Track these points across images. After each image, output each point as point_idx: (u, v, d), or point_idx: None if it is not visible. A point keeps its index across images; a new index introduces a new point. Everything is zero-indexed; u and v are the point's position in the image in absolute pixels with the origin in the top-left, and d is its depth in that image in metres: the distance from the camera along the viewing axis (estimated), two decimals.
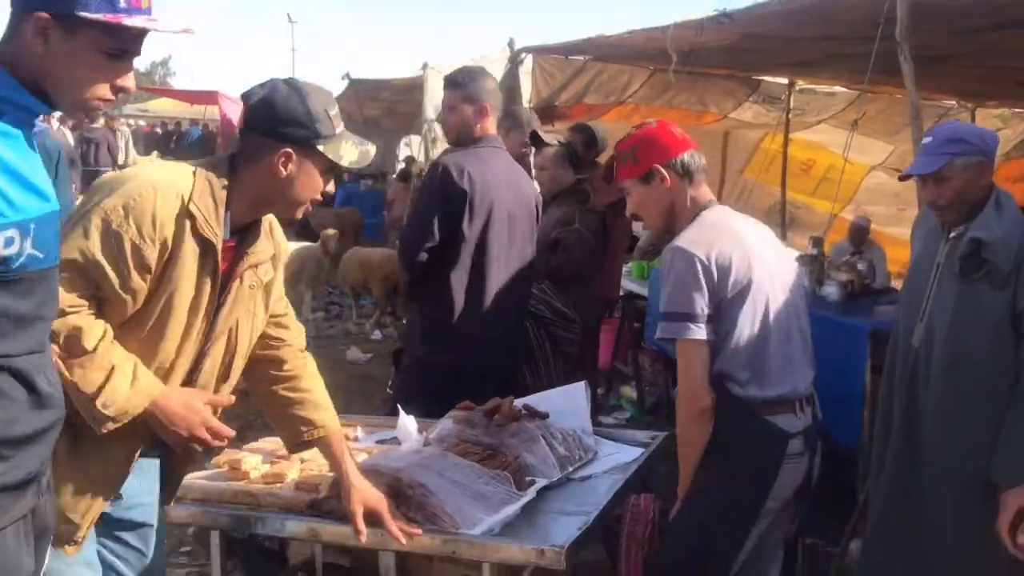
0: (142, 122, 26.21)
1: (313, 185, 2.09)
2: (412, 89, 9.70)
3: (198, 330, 2.09)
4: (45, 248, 1.71)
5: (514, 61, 7.25)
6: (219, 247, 2.05)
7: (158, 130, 26.21)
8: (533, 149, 4.58)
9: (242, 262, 2.13)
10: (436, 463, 2.42)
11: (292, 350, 2.36)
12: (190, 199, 2.00)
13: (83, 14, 1.60)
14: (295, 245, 9.00)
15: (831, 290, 4.59)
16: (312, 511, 2.34)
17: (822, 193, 9.32)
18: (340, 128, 2.09)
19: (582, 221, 4.44)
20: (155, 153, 22.49)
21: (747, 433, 2.45)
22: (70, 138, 12.79)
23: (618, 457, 2.82)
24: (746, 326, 2.45)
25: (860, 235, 7.53)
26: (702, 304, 2.40)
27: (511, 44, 7.30)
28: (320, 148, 2.05)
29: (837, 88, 7.89)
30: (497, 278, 3.48)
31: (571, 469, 2.66)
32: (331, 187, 2.15)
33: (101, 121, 14.27)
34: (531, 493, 2.41)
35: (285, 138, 2.03)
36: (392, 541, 2.22)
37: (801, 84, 7.85)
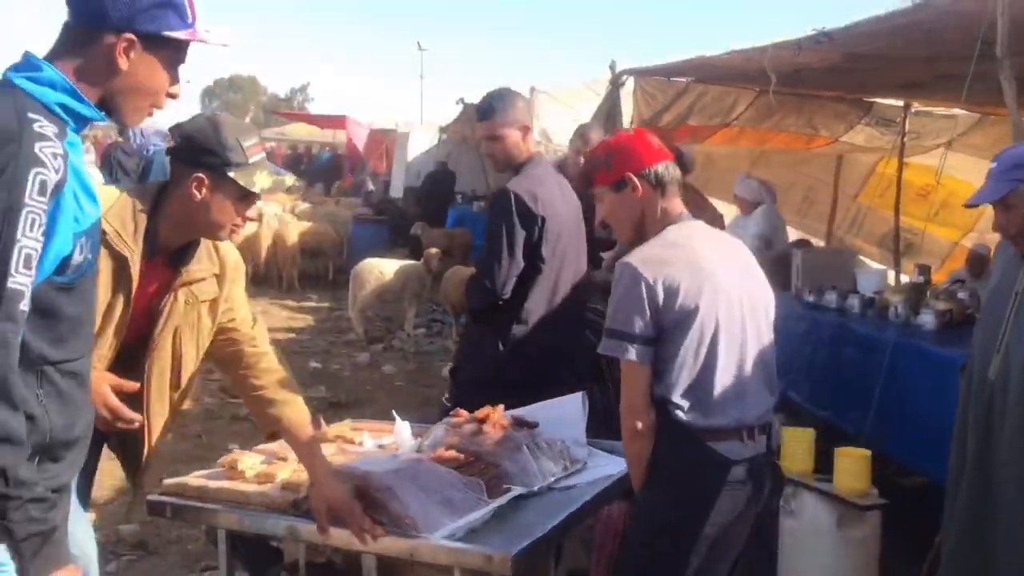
0: (272, 144, 27.32)
1: (227, 209, 2.27)
2: None
3: (111, 335, 2.25)
4: (94, 252, 1.82)
5: (615, 83, 7.23)
6: (133, 262, 2.23)
7: (291, 152, 27.28)
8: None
9: (176, 280, 2.32)
10: (409, 468, 2.47)
11: (242, 350, 2.51)
12: (103, 216, 2.17)
13: (167, 33, 1.74)
14: (402, 263, 9.26)
15: (927, 319, 4.38)
16: (294, 511, 2.43)
17: (942, 220, 8.91)
18: (256, 157, 2.27)
19: None
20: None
21: (687, 458, 2.40)
22: None
23: (607, 468, 2.81)
24: (689, 353, 2.38)
25: (979, 263, 7.13)
26: (642, 325, 2.35)
27: (612, 66, 7.28)
28: (231, 175, 2.23)
29: (956, 110, 7.53)
30: (564, 291, 3.56)
31: (552, 479, 2.67)
32: (253, 212, 2.33)
33: None
34: (500, 501, 2.44)
35: (199, 165, 2.23)
36: (365, 540, 2.30)
37: (917, 106, 7.53)
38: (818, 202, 9.47)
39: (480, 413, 2.85)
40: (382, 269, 8.67)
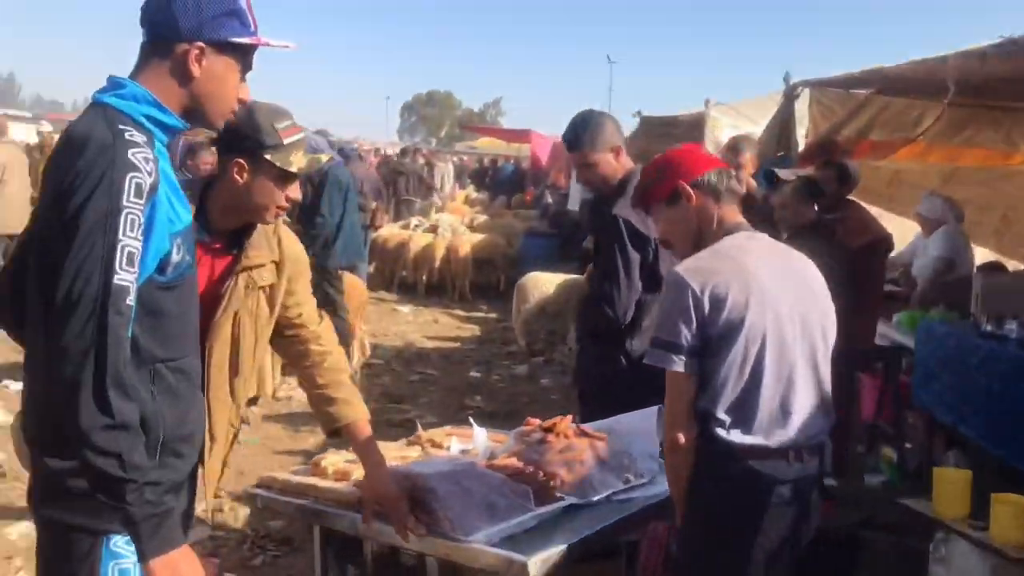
0: (463, 157, 28.14)
1: (268, 190, 2.32)
2: (699, 125, 9.62)
3: None
4: (191, 254, 1.93)
5: (789, 95, 6.95)
6: None
7: (479, 166, 28.02)
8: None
9: (237, 264, 2.37)
10: (458, 471, 2.52)
11: (308, 348, 2.56)
12: None
13: (234, 39, 1.86)
14: (565, 277, 9.25)
15: None
16: (359, 507, 2.52)
17: None
18: (292, 139, 2.31)
19: (832, 255, 4.18)
20: (471, 187, 24.11)
21: (727, 476, 2.29)
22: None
23: None
24: (734, 367, 2.26)
25: None
26: (687, 336, 2.26)
27: (786, 78, 7.02)
28: (267, 156, 2.28)
29: None
30: None
31: (610, 491, 2.66)
32: (296, 194, 2.36)
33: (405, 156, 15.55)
34: (546, 509, 2.46)
35: (238, 150, 2.29)
36: (407, 537, 2.40)
37: None
38: (1018, 222, 8.71)
39: (548, 423, 2.88)
40: (545, 283, 8.73)
